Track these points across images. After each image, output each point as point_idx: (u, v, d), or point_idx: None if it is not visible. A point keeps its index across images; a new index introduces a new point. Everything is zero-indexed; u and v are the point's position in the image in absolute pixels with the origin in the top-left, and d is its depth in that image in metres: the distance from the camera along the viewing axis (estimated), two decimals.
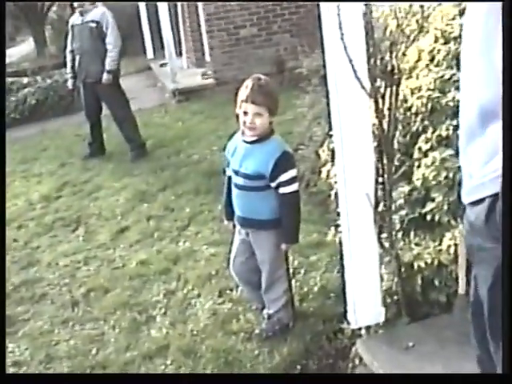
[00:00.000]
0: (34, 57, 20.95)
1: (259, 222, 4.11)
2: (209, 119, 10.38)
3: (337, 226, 4.71)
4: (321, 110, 6.67)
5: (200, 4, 12.67)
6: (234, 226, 4.37)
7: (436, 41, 4.18)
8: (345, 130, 3.36)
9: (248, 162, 4.02)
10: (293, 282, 4.60)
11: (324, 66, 3.46)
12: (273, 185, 3.98)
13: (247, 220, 4.16)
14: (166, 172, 8.03)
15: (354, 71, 3.21)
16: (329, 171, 4.93)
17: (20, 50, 23.16)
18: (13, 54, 19.95)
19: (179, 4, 14.68)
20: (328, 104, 3.53)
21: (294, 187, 3.99)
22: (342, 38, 3.15)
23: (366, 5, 3.27)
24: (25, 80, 14.30)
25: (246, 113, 3.90)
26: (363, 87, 3.27)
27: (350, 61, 3.20)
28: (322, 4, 3.30)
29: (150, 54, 17.81)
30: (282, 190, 3.97)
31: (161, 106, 12.04)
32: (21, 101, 12.97)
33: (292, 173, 3.97)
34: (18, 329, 4.93)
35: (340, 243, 4.55)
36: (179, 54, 14.41)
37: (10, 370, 4.38)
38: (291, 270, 4.67)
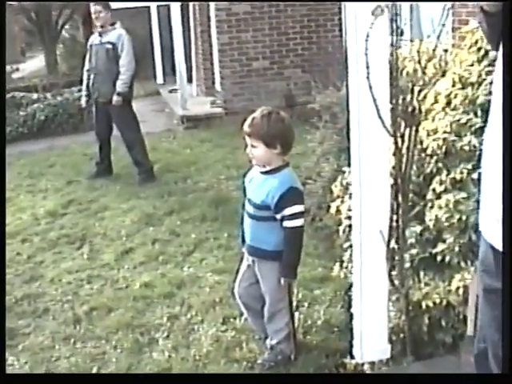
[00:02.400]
0: (45, 73, 21.05)
1: (264, 251, 4.15)
2: (217, 148, 10.45)
3: (342, 261, 4.76)
4: (330, 147, 6.75)
5: (214, 33, 12.80)
6: None
7: (453, 85, 4.25)
8: (363, 166, 3.41)
9: (258, 192, 4.08)
10: (296, 314, 4.62)
11: (347, 102, 3.51)
12: (278, 217, 4.02)
13: (254, 248, 4.21)
14: (173, 197, 8.07)
15: (377, 110, 3.27)
16: (338, 207, 4.97)
17: (31, 66, 23.29)
18: (23, 69, 20.05)
19: (193, 31, 14.83)
20: (348, 139, 3.58)
21: (297, 222, 4.01)
22: (367, 77, 3.21)
23: (392, 46, 3.33)
24: (35, 96, 14.41)
25: (247, 144, 4.04)
26: (385, 126, 3.32)
27: (374, 100, 3.26)
28: (349, 41, 3.35)
29: (159, 78, 17.94)
30: (285, 224, 4.01)
31: (169, 132, 12.13)
32: (30, 116, 13.06)
33: (297, 208, 3.99)
34: (19, 342, 4.92)
35: (345, 278, 4.62)
36: (189, 80, 14.51)
37: None
38: (295, 303, 4.70)
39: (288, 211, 3.96)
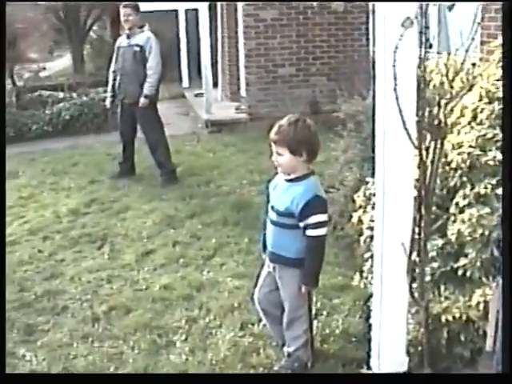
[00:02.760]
0: (71, 72, 21.21)
1: (285, 259, 4.16)
2: (240, 153, 10.48)
3: (362, 271, 4.75)
4: (354, 155, 6.74)
5: (241, 39, 12.84)
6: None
7: (480, 99, 4.24)
8: (387, 177, 3.41)
9: (282, 199, 4.10)
10: (315, 322, 4.63)
11: (373, 112, 3.51)
12: (301, 225, 4.03)
13: (275, 255, 4.22)
14: (195, 200, 8.11)
15: (403, 122, 3.27)
16: (360, 217, 4.97)
17: (57, 65, 23.46)
18: (50, 67, 20.21)
19: (220, 36, 14.88)
20: (372, 149, 3.58)
21: (320, 232, 4.02)
22: (395, 89, 3.21)
23: (420, 58, 3.34)
24: (60, 94, 14.53)
25: (273, 151, 4.06)
26: (410, 138, 3.32)
27: (400, 111, 3.26)
28: (377, 52, 3.36)
29: (185, 82, 18.01)
30: (308, 232, 4.02)
31: (193, 135, 12.16)
32: (55, 114, 13.16)
33: (321, 217, 4.01)
34: (37, 338, 4.98)
35: (365, 288, 4.62)
36: (215, 85, 14.56)
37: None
38: (314, 311, 4.70)
39: (312, 220, 3.97)
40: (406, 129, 3.29)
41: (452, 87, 3.46)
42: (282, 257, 4.17)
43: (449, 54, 3.57)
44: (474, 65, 3.62)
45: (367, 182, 4.98)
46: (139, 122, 9.09)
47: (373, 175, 5.13)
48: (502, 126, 1.96)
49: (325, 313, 4.96)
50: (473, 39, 3.53)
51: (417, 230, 3.51)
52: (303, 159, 4.00)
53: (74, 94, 14.46)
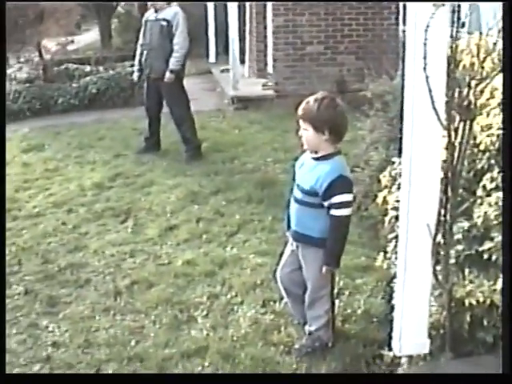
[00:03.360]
0: (98, 47, 21.18)
1: (309, 238, 4.14)
2: (266, 130, 10.43)
3: (385, 252, 4.72)
4: (380, 135, 6.68)
5: (269, 15, 12.75)
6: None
7: None
8: (414, 158, 3.36)
9: (307, 177, 4.08)
10: (337, 302, 4.63)
11: (402, 92, 3.46)
12: (326, 204, 4.01)
13: (298, 234, 4.20)
14: (220, 176, 8.10)
15: (432, 102, 3.22)
16: (385, 197, 4.93)
17: (85, 39, 23.46)
18: (78, 41, 20.20)
19: (248, 12, 14.79)
20: (400, 129, 3.54)
21: (344, 211, 4.01)
22: (424, 68, 3.16)
23: (451, 37, 3.28)
24: (87, 68, 14.52)
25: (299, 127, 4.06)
26: (439, 118, 3.28)
27: (430, 91, 3.21)
28: (408, 30, 3.30)
29: (212, 58, 17.93)
30: (332, 212, 4.01)
31: (218, 111, 12.12)
32: (82, 88, 13.14)
33: (345, 197, 3.99)
34: (60, 310, 5.04)
35: (388, 269, 4.58)
36: (241, 61, 14.48)
37: (49, 350, 4.47)
38: (336, 290, 4.69)
39: (336, 199, 3.95)
40: (434, 109, 3.24)
41: (483, 68, 3.40)
42: (306, 236, 4.15)
43: (480, 33, 3.51)
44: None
45: (393, 162, 4.92)
46: (165, 97, 9.07)
47: (399, 155, 5.10)
48: (503, 126, 1.93)
49: (347, 293, 4.95)
50: None
51: (443, 211, 3.47)
52: (326, 137, 3.98)
53: (101, 68, 14.42)
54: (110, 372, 4.19)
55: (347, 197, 4.00)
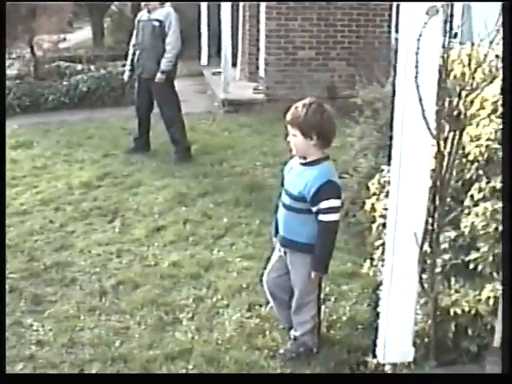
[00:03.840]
0: (90, 45, 21.16)
1: (297, 243, 4.14)
2: (256, 134, 10.44)
3: (372, 259, 4.73)
4: (369, 143, 6.70)
5: (262, 19, 12.76)
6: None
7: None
8: (403, 166, 3.38)
9: (296, 183, 4.08)
10: (322, 308, 4.62)
11: (392, 100, 3.48)
12: (313, 209, 4.01)
13: (286, 239, 4.20)
14: (208, 179, 8.09)
15: (423, 111, 3.24)
16: (373, 204, 4.94)
17: (77, 37, 23.41)
18: (70, 39, 20.14)
19: (241, 15, 14.81)
20: (390, 137, 3.55)
21: (332, 217, 4.01)
22: (416, 77, 3.18)
23: (443, 47, 3.30)
24: (79, 67, 14.49)
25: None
26: (428, 127, 3.29)
27: (420, 100, 3.23)
28: (401, 39, 3.32)
29: (204, 60, 17.92)
30: (320, 217, 4.01)
31: (209, 114, 12.12)
32: (72, 86, 13.10)
33: (333, 202, 3.99)
34: (44, 309, 5.01)
35: (374, 276, 4.60)
36: (233, 64, 14.49)
37: (32, 349, 4.45)
38: (322, 296, 4.69)
39: (324, 204, 3.95)
40: (424, 118, 3.26)
41: (474, 78, 3.42)
42: (294, 241, 4.16)
43: (472, 44, 3.53)
44: (497, 57, 3.56)
45: (382, 170, 4.94)
46: (155, 98, 9.06)
47: (388, 163, 5.11)
48: (503, 126, 1.94)
49: (332, 299, 4.96)
50: (498, 31, 3.49)
51: (430, 220, 3.49)
52: (314, 143, 3.99)
53: (92, 67, 14.40)
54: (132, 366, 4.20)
55: (335, 202, 4.00)
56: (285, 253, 4.26)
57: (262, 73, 13.16)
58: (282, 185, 4.24)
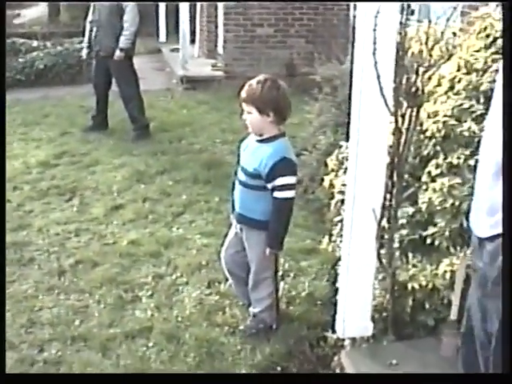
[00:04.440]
0: (45, 21, 20.83)
1: (252, 220, 4.15)
2: (214, 111, 10.41)
3: (331, 235, 4.76)
4: (328, 119, 6.73)
5: None
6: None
7: (458, 70, 4.23)
8: (362, 142, 3.39)
9: (251, 160, 4.08)
10: (281, 284, 4.66)
11: (351, 77, 3.49)
12: (269, 186, 4.02)
13: (242, 216, 4.20)
14: (166, 156, 8.06)
15: (381, 88, 3.25)
16: (332, 181, 4.97)
17: (31, 13, 23.01)
18: (25, 15, 19.82)
19: None
20: (349, 114, 3.57)
21: (287, 194, 4.01)
22: (374, 53, 3.18)
23: (401, 24, 3.31)
24: (34, 43, 14.27)
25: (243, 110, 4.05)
26: (386, 104, 3.31)
27: (378, 77, 3.23)
28: (358, 16, 3.32)
29: (162, 37, 17.78)
30: (275, 194, 4.01)
31: (167, 91, 12.04)
32: (28, 63, 12.91)
33: (289, 179, 3.99)
34: None
35: (333, 252, 4.63)
36: (192, 41, 14.41)
37: None
38: (281, 273, 4.73)
39: (279, 181, 3.96)
40: (382, 95, 3.27)
41: (431, 56, 3.44)
42: (249, 218, 4.16)
43: (429, 21, 3.54)
44: (454, 34, 3.60)
45: (340, 146, 4.97)
46: (114, 75, 8.97)
47: (346, 140, 5.14)
48: (503, 125, 1.97)
49: (291, 275, 4.98)
50: (454, 8, 3.52)
51: (388, 196, 3.51)
52: (270, 119, 3.98)
53: (48, 44, 14.19)
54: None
55: (290, 179, 4.00)
56: (241, 229, 4.26)
57: (220, 50, 13.10)
58: (238, 162, 4.23)
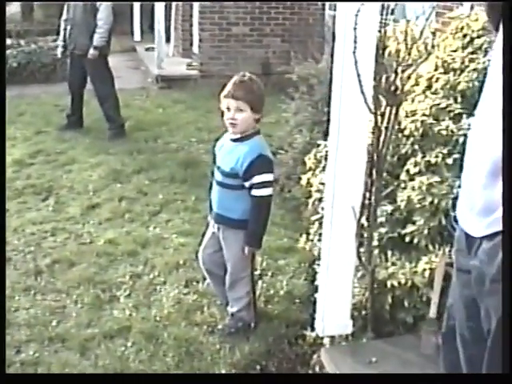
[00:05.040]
0: (19, 19, 20.66)
1: (230, 220, 4.14)
2: (190, 110, 10.38)
3: (308, 233, 4.77)
4: (304, 118, 6.73)
5: None
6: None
7: (436, 69, 4.26)
8: (341, 141, 3.40)
9: (227, 159, 4.07)
10: (259, 283, 4.67)
11: (331, 75, 3.49)
12: (246, 185, 4.01)
13: (220, 216, 4.19)
14: (143, 155, 8.02)
15: (361, 86, 3.25)
16: (309, 179, 4.98)
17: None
18: None
19: None
20: (325, 112, 3.57)
21: (265, 191, 4.01)
22: (354, 52, 3.19)
23: (381, 23, 3.32)
24: (8, 41, 14.08)
25: (228, 108, 3.98)
26: (366, 103, 3.31)
27: (358, 75, 3.24)
28: (338, 14, 3.33)
29: (137, 35, 17.70)
30: (253, 192, 4.01)
31: (142, 90, 12.00)
32: None
33: (266, 177, 4.00)
34: None
35: (310, 250, 4.64)
36: (167, 40, 14.37)
37: None
38: (259, 272, 4.74)
39: (257, 179, 3.96)
40: (362, 93, 3.27)
41: (410, 54, 3.45)
42: (227, 218, 4.15)
43: (408, 21, 3.56)
44: (433, 33, 3.61)
45: (318, 145, 4.97)
46: (89, 74, 8.92)
47: (324, 138, 5.15)
48: (503, 124, 1.97)
49: (269, 273, 4.98)
50: (433, 8, 3.54)
51: (367, 194, 3.52)
52: (257, 117, 4.01)
53: (22, 42, 14.07)
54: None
55: (268, 176, 4.00)
56: (218, 229, 4.25)
57: (195, 49, 13.08)
58: (214, 162, 4.22)
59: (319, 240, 4.38)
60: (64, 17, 9.05)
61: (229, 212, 4.13)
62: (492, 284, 2.10)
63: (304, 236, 4.87)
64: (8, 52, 13.03)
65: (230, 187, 4.09)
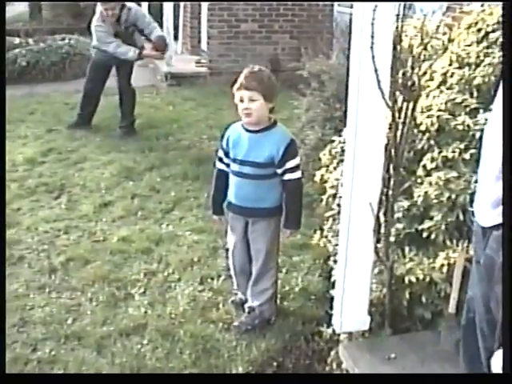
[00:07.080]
0: (27, 18, 20.65)
1: (262, 210, 4.18)
2: (200, 107, 10.37)
3: (322, 230, 4.76)
4: (316, 115, 6.72)
5: None
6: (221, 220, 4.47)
7: (450, 64, 4.24)
8: (359, 137, 3.39)
9: (257, 151, 4.08)
10: None
11: (347, 71, 3.48)
12: (279, 171, 4.07)
13: (249, 209, 4.21)
14: (154, 153, 8.02)
15: (378, 81, 3.24)
16: (323, 175, 4.96)
17: (13, 10, 22.81)
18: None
19: None
20: (345, 109, 3.56)
21: (298, 174, 4.12)
22: (371, 47, 3.17)
23: (398, 18, 3.30)
24: (16, 40, 14.10)
25: (242, 100, 4.02)
26: (384, 98, 3.30)
27: (376, 70, 3.22)
28: (355, 10, 3.31)
29: None
30: (287, 177, 4.08)
31: (152, 87, 11.97)
32: (11, 61, 12.74)
33: (297, 160, 4.11)
34: None
35: (325, 246, 4.63)
36: (175, 37, 14.35)
37: None
38: None
39: (291, 164, 4.06)
40: (380, 88, 3.26)
41: (426, 49, 3.44)
42: (258, 209, 4.19)
43: (425, 16, 3.54)
44: (450, 28, 3.60)
45: (333, 141, 4.95)
46: (122, 74, 8.92)
47: (336, 134, 5.13)
48: (503, 123, 1.96)
49: (284, 270, 4.97)
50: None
51: (385, 190, 3.51)
52: (272, 105, 4.06)
53: (31, 41, 14.06)
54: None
55: (298, 160, 4.14)
56: (246, 223, 4.25)
57: (204, 46, 13.06)
58: (227, 157, 4.22)
59: (333, 236, 4.38)
60: None
61: (260, 203, 4.17)
62: (500, 272, 2.11)
63: (318, 232, 4.86)
64: (17, 51, 13.03)
65: (263, 177, 4.13)
